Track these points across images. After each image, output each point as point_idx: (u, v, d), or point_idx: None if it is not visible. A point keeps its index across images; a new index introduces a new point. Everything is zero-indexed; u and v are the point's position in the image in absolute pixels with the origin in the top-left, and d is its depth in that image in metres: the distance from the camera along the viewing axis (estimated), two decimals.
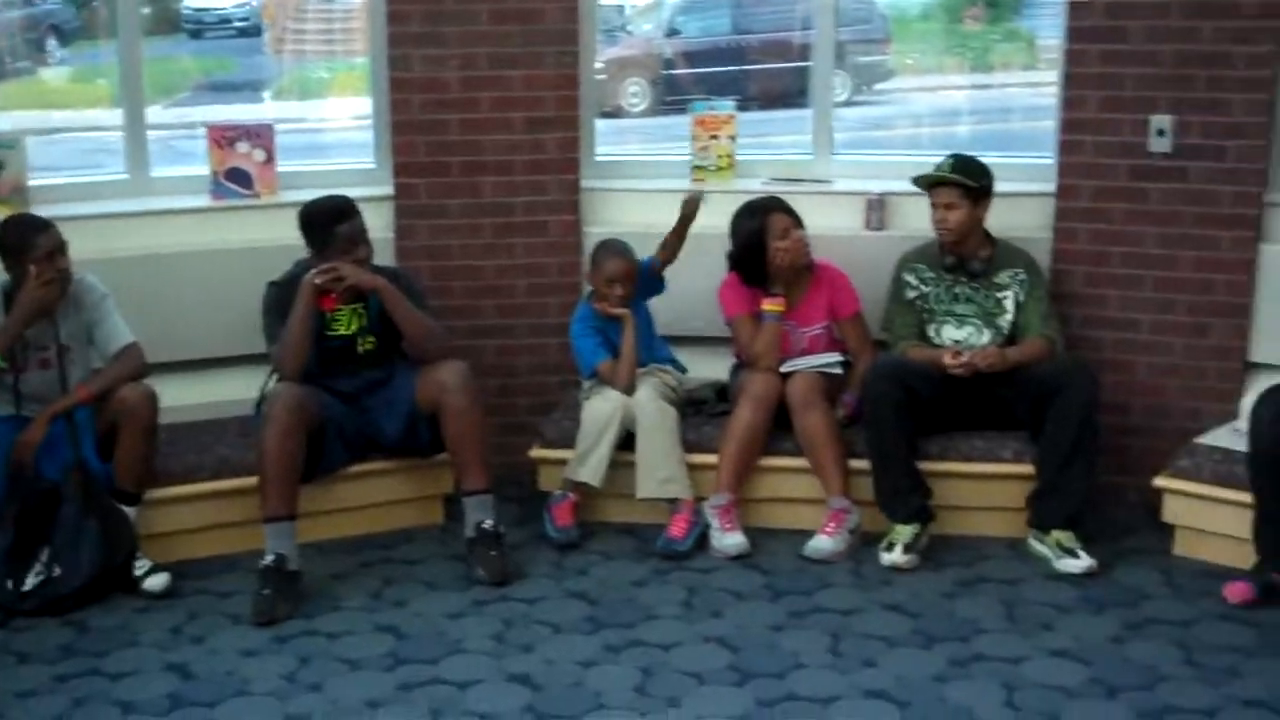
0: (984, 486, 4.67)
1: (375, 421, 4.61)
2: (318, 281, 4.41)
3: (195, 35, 11.81)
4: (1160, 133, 4.80)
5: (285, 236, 4.71)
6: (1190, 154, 4.79)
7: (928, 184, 4.77)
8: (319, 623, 4.14)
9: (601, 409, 4.71)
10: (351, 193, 4.75)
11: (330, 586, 4.37)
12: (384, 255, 4.93)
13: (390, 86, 5.16)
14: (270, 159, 5.19)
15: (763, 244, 4.78)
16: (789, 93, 5.61)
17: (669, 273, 4.89)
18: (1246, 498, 4.27)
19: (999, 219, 4.85)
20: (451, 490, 4.66)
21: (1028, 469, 4.57)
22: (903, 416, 4.53)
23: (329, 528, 4.66)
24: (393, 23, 5.11)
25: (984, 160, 4.82)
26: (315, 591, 4.31)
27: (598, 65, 6.06)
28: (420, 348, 4.60)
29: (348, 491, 4.69)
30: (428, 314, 4.64)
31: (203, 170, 5.20)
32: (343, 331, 4.58)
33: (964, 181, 4.69)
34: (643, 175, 5.49)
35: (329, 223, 4.51)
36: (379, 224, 5.00)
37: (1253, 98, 4.70)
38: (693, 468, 4.71)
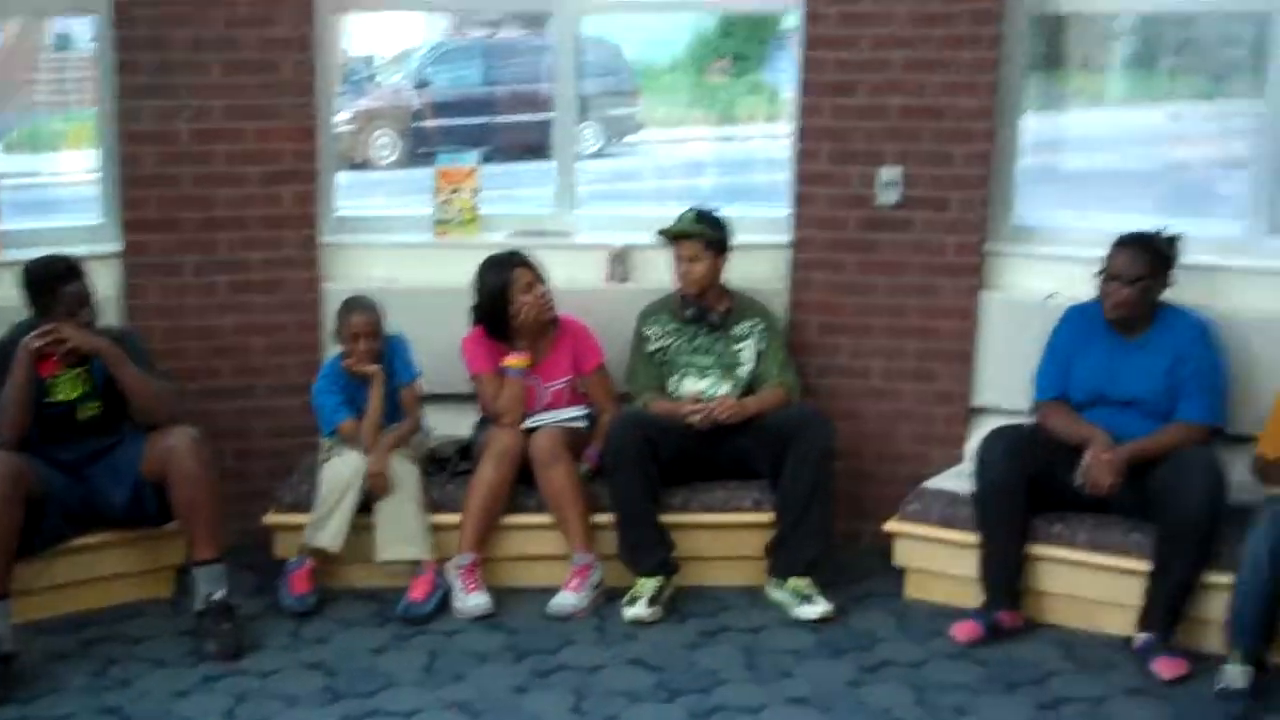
0: (726, 536, 4.70)
1: (100, 491, 4.40)
2: (36, 345, 4.21)
3: None
4: (888, 184, 4.95)
5: (4, 297, 4.50)
6: (916, 205, 4.95)
7: (672, 236, 4.82)
8: (36, 708, 3.91)
9: (341, 471, 4.60)
10: (78, 250, 4.58)
11: (49, 668, 4.14)
12: (113, 314, 4.76)
13: (120, 139, 4.98)
14: None
15: (506, 299, 4.76)
16: (538, 145, 5.60)
17: (410, 328, 4.85)
18: (973, 539, 4.41)
19: (737, 270, 4.92)
20: (184, 561, 4.48)
21: (768, 518, 4.63)
22: (645, 469, 4.55)
23: (48, 605, 4.41)
24: (122, 73, 4.94)
25: (724, 213, 4.90)
26: (32, 674, 4.07)
27: (345, 117, 5.97)
28: (147, 412, 4.42)
29: (69, 566, 4.44)
30: (157, 376, 4.48)
31: None
32: (62, 398, 4.37)
33: (707, 234, 4.76)
34: (386, 230, 5.42)
35: (53, 283, 4.31)
36: (107, 282, 4.83)
37: (972, 149, 4.88)
38: (436, 528, 4.63)
